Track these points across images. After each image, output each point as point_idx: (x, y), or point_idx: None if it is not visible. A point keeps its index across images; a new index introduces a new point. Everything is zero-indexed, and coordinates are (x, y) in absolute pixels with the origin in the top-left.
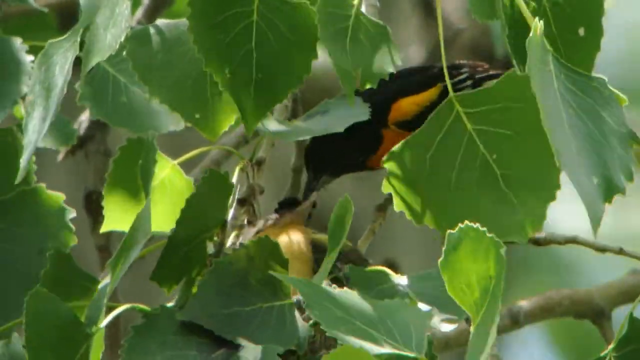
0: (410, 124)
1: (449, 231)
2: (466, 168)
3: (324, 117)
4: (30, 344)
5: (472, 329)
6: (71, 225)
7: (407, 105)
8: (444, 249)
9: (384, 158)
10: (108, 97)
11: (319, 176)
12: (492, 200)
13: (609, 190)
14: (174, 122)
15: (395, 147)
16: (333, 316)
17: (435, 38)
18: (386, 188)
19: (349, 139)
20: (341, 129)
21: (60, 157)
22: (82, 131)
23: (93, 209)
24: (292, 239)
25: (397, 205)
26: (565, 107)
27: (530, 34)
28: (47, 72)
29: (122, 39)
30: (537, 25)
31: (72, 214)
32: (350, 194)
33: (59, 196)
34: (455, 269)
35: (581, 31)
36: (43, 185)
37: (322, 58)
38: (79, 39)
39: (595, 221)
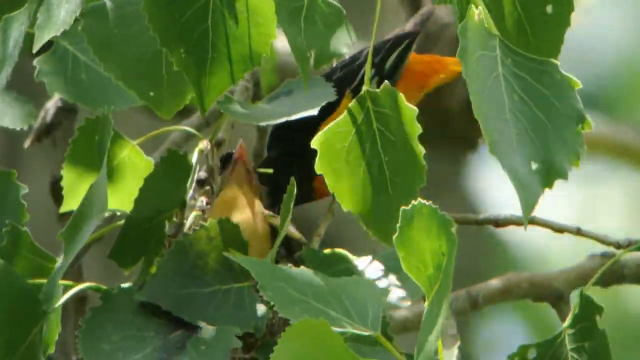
0: None
1: (403, 208)
2: (371, 165)
3: (288, 97)
4: None
5: (425, 305)
6: (23, 201)
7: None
8: (398, 225)
9: (313, 140)
10: (67, 73)
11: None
12: (382, 202)
13: (550, 175)
14: (132, 100)
15: (324, 130)
16: (287, 296)
17: (422, 32)
18: (318, 168)
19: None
20: (309, 112)
21: (27, 144)
22: (49, 118)
23: (59, 196)
24: (253, 217)
25: (330, 186)
26: (509, 92)
27: (464, 21)
28: (3, 45)
29: (77, 14)
30: (473, 12)
31: (24, 190)
32: None
33: (12, 173)
34: (410, 245)
35: (549, 8)
36: None
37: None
38: (33, 11)
39: (528, 207)
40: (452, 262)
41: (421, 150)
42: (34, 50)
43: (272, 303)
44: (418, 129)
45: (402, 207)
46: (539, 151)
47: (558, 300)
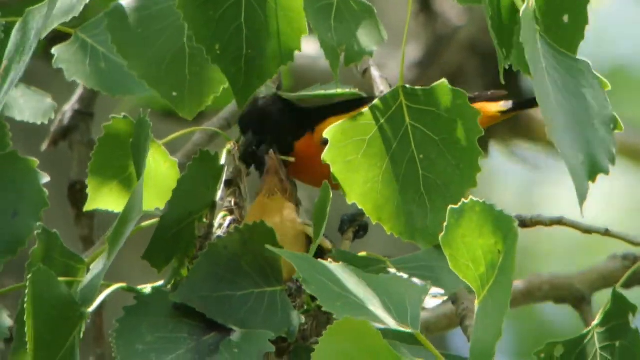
0: None
1: (451, 206)
2: (396, 160)
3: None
4: (32, 322)
5: (476, 302)
6: (44, 189)
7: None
8: (445, 224)
9: (326, 130)
10: (85, 61)
11: (258, 139)
12: (410, 199)
13: (594, 169)
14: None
15: (341, 121)
16: (330, 291)
17: (434, 35)
18: (326, 157)
19: (283, 114)
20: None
21: (44, 146)
22: (66, 121)
23: (77, 199)
24: (287, 225)
25: (338, 178)
26: (553, 85)
27: (524, 7)
28: (24, 38)
29: (87, 1)
30: None
31: (46, 178)
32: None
33: (33, 160)
34: (459, 244)
35: (565, 18)
36: (16, 150)
37: (317, 51)
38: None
39: (582, 196)
40: (512, 259)
41: (479, 152)
42: (42, 37)
43: (304, 307)
44: (480, 131)
45: (450, 206)
46: (583, 144)
47: (580, 301)
